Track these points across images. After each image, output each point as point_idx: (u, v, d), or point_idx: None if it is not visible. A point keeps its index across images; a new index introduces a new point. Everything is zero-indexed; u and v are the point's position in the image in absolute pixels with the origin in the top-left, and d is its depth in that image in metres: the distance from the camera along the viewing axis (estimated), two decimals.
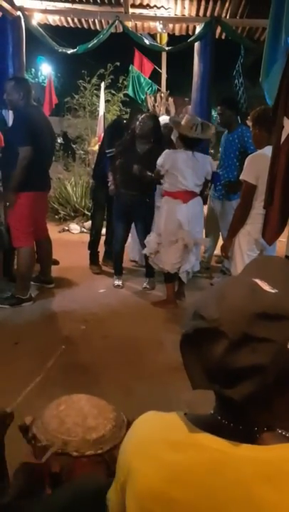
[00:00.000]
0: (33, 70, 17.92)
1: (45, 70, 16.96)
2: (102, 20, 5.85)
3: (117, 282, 4.64)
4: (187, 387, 2.69)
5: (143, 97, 9.07)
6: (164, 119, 4.65)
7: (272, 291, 0.76)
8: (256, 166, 3.14)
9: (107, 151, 4.75)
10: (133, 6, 5.64)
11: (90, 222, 6.87)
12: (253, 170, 3.16)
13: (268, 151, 2.99)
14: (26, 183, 3.87)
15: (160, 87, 8.86)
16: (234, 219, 3.37)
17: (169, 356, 3.27)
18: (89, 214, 7.15)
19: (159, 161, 3.86)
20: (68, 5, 5.72)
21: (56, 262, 4.89)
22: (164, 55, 8.24)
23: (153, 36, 7.16)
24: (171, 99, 8.31)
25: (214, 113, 8.58)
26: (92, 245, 5.21)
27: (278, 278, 0.81)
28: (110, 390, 2.78)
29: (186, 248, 3.93)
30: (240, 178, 3.27)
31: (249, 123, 3.65)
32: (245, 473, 0.73)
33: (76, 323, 3.75)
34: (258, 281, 0.78)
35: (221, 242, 4.97)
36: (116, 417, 1.64)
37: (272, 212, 2.72)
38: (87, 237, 5.69)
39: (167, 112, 7.98)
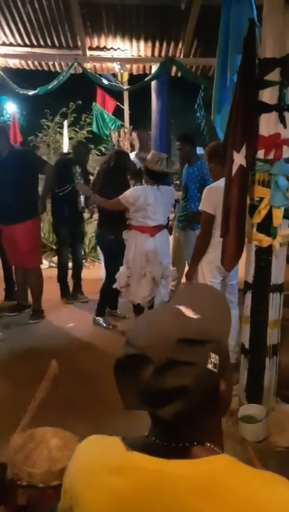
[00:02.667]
0: None
1: (10, 108, 17.14)
2: (62, 63, 6.06)
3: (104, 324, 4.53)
4: None
5: (107, 133, 9.29)
6: (132, 156, 4.82)
7: (195, 316, 0.84)
8: (213, 197, 3.29)
9: (58, 191, 4.87)
10: (90, 48, 5.88)
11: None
12: (210, 201, 3.31)
13: (222, 182, 3.14)
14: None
15: (123, 122, 9.11)
16: (196, 248, 3.49)
17: None
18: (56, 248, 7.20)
19: (130, 197, 3.88)
20: (28, 49, 5.92)
21: None
22: (125, 92, 8.52)
23: (114, 75, 7.44)
24: (134, 134, 8.55)
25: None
26: (62, 279, 5.30)
27: (202, 304, 0.89)
28: (80, 426, 2.76)
29: (154, 281, 4.00)
30: (199, 208, 3.40)
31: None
32: (180, 489, 0.78)
33: (44, 359, 3.72)
34: (182, 308, 0.86)
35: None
36: None
37: (228, 241, 2.84)
38: (55, 272, 5.73)
39: (132, 146, 8.20)
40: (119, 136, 8.72)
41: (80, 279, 5.45)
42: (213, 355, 0.80)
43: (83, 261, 5.86)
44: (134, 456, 0.84)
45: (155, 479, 0.80)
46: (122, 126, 9.23)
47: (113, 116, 9.35)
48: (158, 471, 0.81)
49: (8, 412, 2.92)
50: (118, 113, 9.27)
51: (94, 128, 8.82)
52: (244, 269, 3.13)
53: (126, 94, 8.78)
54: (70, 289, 5.38)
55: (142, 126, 11.55)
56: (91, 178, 5.17)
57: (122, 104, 9.20)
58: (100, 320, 4.51)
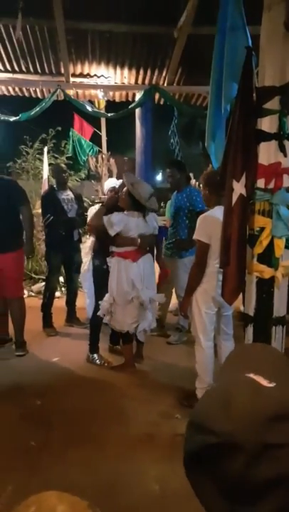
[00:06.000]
0: None
1: None
2: (44, 89, 5.98)
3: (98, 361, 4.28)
4: (155, 460, 2.55)
5: (85, 159, 9.22)
6: (114, 182, 4.66)
7: (271, 385, 0.69)
8: (208, 226, 3.19)
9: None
10: (74, 75, 5.83)
11: (37, 285, 6.72)
12: (205, 230, 3.21)
13: (218, 211, 3.06)
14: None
15: (101, 148, 9.06)
16: (190, 278, 3.37)
17: (133, 427, 3.12)
18: (36, 277, 7.00)
19: (113, 218, 3.75)
20: (9, 75, 5.82)
21: None
22: (103, 119, 8.48)
23: (91, 102, 7.40)
24: (112, 160, 8.50)
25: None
26: (45, 308, 5.10)
27: (267, 369, 0.75)
28: (74, 471, 2.59)
29: (141, 306, 3.87)
30: (194, 237, 3.30)
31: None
32: None
33: (31, 397, 3.52)
34: (254, 377, 0.71)
35: (174, 298, 4.97)
36: None
37: (229, 272, 2.73)
38: (35, 301, 5.53)
39: (110, 172, 8.14)
40: (96, 162, 8.66)
41: (75, 307, 5.37)
42: None
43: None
44: None
45: None
46: (100, 152, 9.18)
47: (90, 142, 9.31)
48: None
49: None
50: (95, 139, 9.22)
51: (70, 152, 8.77)
52: (238, 300, 3.04)
53: (103, 121, 8.77)
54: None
55: (119, 152, 11.52)
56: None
57: (100, 131, 9.17)
58: (94, 357, 4.26)
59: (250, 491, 0.63)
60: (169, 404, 3.41)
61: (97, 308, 4.10)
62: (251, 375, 0.71)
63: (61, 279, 6.10)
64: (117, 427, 3.14)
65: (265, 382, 0.69)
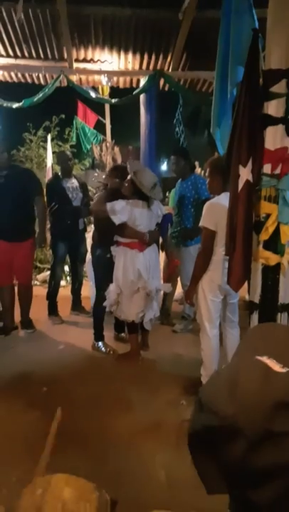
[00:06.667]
0: None
1: None
2: (47, 75, 5.92)
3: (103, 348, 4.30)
4: (161, 448, 2.52)
5: (89, 147, 9.18)
6: None
7: (284, 370, 0.67)
8: (214, 213, 3.16)
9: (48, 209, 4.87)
10: (77, 60, 5.76)
11: (42, 274, 6.73)
12: (211, 217, 3.18)
13: (224, 198, 3.02)
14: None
15: (105, 136, 9.01)
16: (196, 266, 3.34)
17: (138, 417, 3.12)
18: (41, 266, 7.00)
19: (117, 205, 3.71)
20: (11, 60, 5.76)
21: None
22: (107, 106, 8.41)
23: (95, 88, 7.33)
24: (116, 148, 8.46)
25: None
26: (51, 296, 5.13)
27: (283, 353, 0.72)
28: (82, 460, 2.58)
29: (148, 296, 3.85)
30: (200, 225, 3.27)
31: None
32: None
33: (37, 385, 3.52)
34: (266, 360, 0.69)
35: (179, 287, 4.95)
36: (98, 497, 1.48)
37: (235, 260, 2.70)
38: (40, 290, 5.53)
39: (114, 161, 8.11)
40: (101, 150, 8.62)
41: (80, 296, 5.38)
42: None
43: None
44: None
45: None
46: (104, 140, 9.13)
47: (94, 130, 9.26)
48: None
49: (4, 454, 2.72)
50: (99, 128, 9.17)
51: (74, 140, 8.73)
52: (244, 288, 3.02)
53: (107, 109, 8.70)
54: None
55: (123, 141, 11.45)
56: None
57: (104, 119, 9.11)
58: (100, 345, 4.27)
59: (250, 476, 0.62)
60: (175, 392, 3.41)
61: (98, 297, 4.10)
62: (264, 358, 0.69)
63: (66, 268, 6.10)
64: (123, 414, 3.15)
65: (277, 367, 0.67)
